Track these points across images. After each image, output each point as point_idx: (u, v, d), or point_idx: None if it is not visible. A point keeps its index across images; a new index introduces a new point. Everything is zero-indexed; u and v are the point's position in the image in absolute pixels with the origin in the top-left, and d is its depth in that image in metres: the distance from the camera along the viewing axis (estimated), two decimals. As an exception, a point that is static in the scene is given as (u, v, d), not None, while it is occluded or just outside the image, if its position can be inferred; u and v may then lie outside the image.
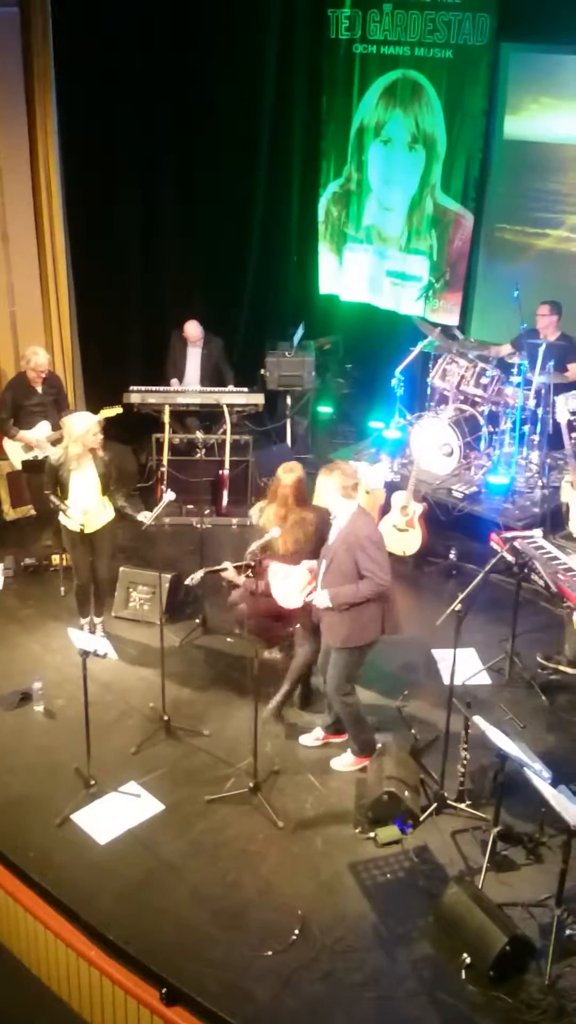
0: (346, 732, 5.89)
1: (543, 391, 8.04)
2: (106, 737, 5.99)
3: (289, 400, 9.66)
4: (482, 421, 8.39)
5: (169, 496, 6.38)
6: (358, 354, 10.51)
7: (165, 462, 8.57)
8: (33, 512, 8.24)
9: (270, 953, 4.71)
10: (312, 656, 6.05)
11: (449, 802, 5.50)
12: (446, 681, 5.80)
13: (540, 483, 8.16)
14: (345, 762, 5.88)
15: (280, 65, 9.84)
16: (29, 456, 7.82)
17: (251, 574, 5.78)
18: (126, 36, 9.01)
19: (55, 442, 7.63)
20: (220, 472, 8.59)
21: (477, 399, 8.45)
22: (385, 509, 7.98)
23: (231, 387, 9.04)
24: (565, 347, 8.22)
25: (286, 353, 9.65)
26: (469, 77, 8.91)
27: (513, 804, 5.40)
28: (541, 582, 6.24)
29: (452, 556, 7.86)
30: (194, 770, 5.86)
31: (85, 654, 5.49)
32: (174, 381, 9.27)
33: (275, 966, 4.65)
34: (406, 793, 5.39)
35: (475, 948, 4.59)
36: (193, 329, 9.22)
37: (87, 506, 6.57)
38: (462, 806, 5.50)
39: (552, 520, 7.72)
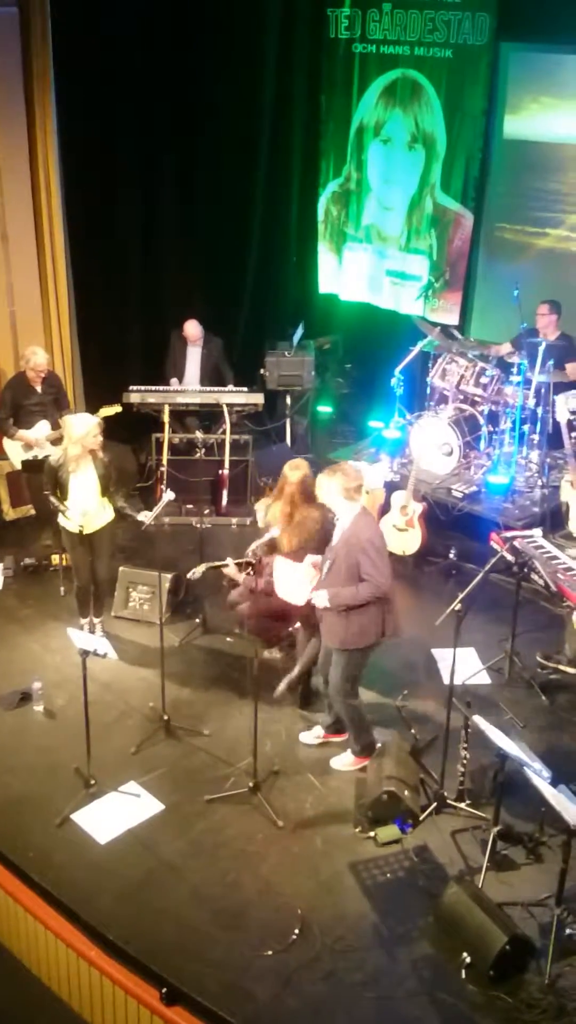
0: (346, 732, 5.89)
1: (543, 390, 8.04)
2: (106, 737, 5.99)
3: (289, 400, 9.65)
4: (482, 420, 8.39)
5: (169, 496, 6.38)
6: (358, 354, 10.51)
7: (165, 462, 8.57)
8: (33, 512, 8.25)
9: (270, 953, 4.71)
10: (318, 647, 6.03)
11: (449, 801, 5.50)
12: (446, 681, 5.80)
13: (540, 482, 8.16)
14: (345, 762, 5.88)
15: (280, 65, 9.83)
16: (29, 456, 7.83)
17: (252, 571, 5.79)
18: (126, 36, 9.01)
19: (55, 442, 7.64)
20: (220, 472, 8.59)
21: (477, 398, 8.45)
22: (385, 509, 7.98)
23: (231, 387, 9.04)
24: (565, 346, 8.22)
25: (286, 353, 9.65)
26: (469, 77, 8.91)
27: (513, 804, 5.40)
28: (541, 581, 6.24)
29: (452, 556, 7.85)
30: (194, 770, 5.86)
31: (85, 654, 5.49)
32: (174, 381, 9.27)
33: (275, 966, 4.65)
34: (406, 793, 5.39)
35: (475, 947, 4.59)
36: (193, 329, 9.22)
37: (86, 507, 6.56)
38: (462, 806, 5.50)
39: (552, 519, 7.72)
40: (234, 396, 8.83)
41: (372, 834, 5.37)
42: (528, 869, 5.16)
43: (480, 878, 4.99)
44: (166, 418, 8.71)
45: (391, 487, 8.08)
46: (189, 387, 9.12)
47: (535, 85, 8.69)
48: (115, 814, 5.50)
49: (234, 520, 8.55)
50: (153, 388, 8.88)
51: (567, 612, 6.59)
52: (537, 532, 6.37)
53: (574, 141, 8.51)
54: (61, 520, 6.66)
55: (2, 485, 8.49)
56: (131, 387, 8.78)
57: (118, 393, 8.52)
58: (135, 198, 9.67)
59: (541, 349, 7.94)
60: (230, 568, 6.56)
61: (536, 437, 8.32)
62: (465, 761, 5.45)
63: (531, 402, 8.15)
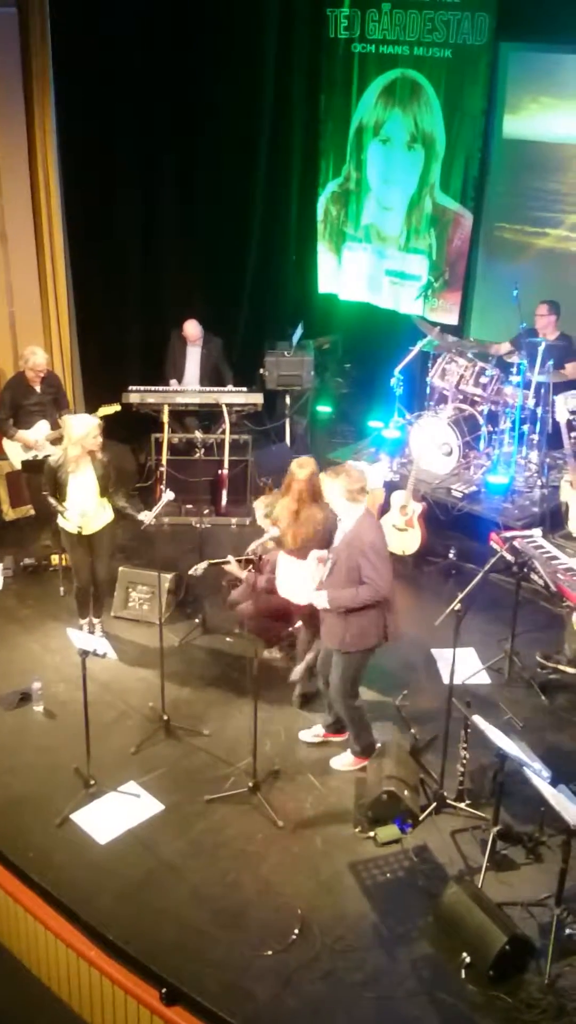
0: (346, 731, 5.89)
1: (542, 390, 8.04)
2: (106, 737, 5.99)
3: (288, 400, 9.65)
4: (481, 420, 8.39)
5: (168, 496, 6.38)
6: (357, 353, 10.51)
7: (164, 462, 8.57)
8: (32, 512, 8.25)
9: (270, 953, 4.72)
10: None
11: (449, 801, 5.51)
12: (446, 680, 5.80)
13: (539, 482, 8.16)
14: (345, 762, 5.88)
15: (279, 65, 9.84)
16: (28, 456, 7.83)
17: (253, 568, 5.79)
18: (125, 36, 9.00)
19: (55, 441, 7.64)
20: (219, 472, 8.59)
21: (476, 398, 8.45)
22: (384, 509, 7.98)
23: (230, 387, 9.04)
24: (564, 346, 8.22)
25: (285, 352, 9.64)
26: (468, 76, 8.91)
27: (513, 803, 5.40)
28: (540, 581, 6.24)
29: (451, 555, 7.86)
30: (194, 770, 5.87)
31: (84, 654, 5.49)
32: (173, 381, 9.26)
33: (275, 966, 4.65)
34: (406, 792, 5.39)
35: (475, 947, 4.59)
36: (192, 329, 9.22)
37: (85, 508, 6.56)
38: (462, 805, 5.50)
39: (551, 519, 7.72)
40: (233, 396, 8.83)
41: (372, 834, 5.37)
42: (528, 869, 5.16)
43: (480, 878, 5.00)
44: (165, 418, 8.71)
45: (391, 487, 8.09)
46: (189, 387, 9.12)
47: (534, 85, 8.69)
48: (115, 814, 5.50)
49: (234, 520, 8.55)
50: (152, 388, 8.88)
51: (567, 612, 6.59)
52: (537, 532, 6.37)
53: (573, 141, 8.52)
54: (60, 521, 6.66)
55: (2, 485, 8.49)
56: (130, 387, 8.77)
57: (117, 393, 8.52)
58: (135, 198, 9.66)
59: (540, 349, 7.95)
60: (232, 565, 6.56)
61: (536, 437, 8.32)
62: (465, 761, 5.46)
63: (531, 402, 8.16)
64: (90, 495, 6.56)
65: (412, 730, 6.02)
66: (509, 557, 6.29)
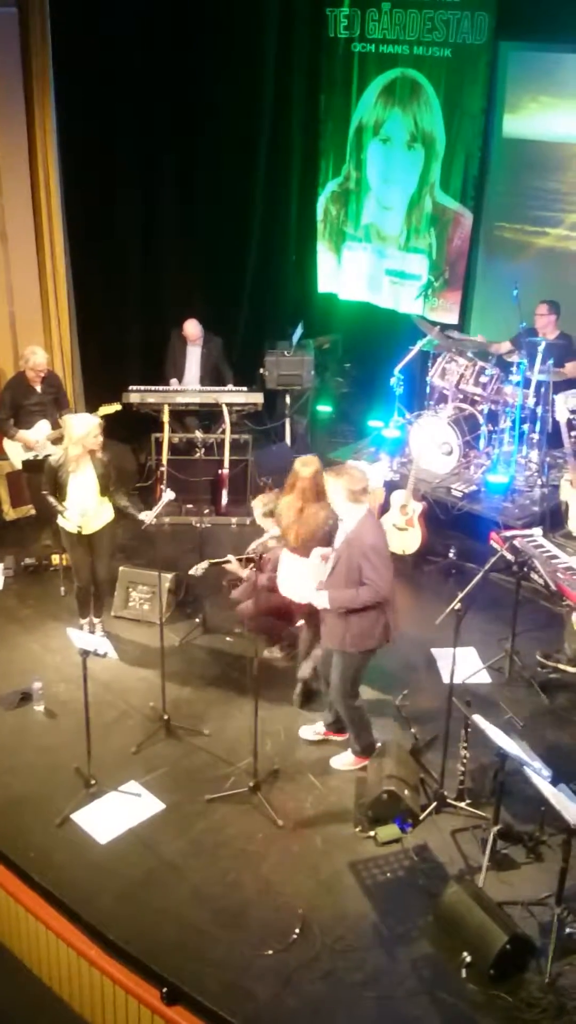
0: (347, 730, 5.89)
1: (542, 389, 8.04)
2: (106, 737, 5.99)
3: (288, 399, 9.65)
4: (481, 420, 8.39)
5: (168, 495, 6.39)
6: (357, 353, 10.51)
7: (164, 461, 8.57)
8: (33, 512, 8.25)
9: (270, 952, 4.72)
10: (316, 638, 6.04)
11: (449, 801, 5.51)
12: (446, 680, 5.80)
13: (539, 482, 8.16)
14: (345, 761, 5.88)
15: (279, 64, 9.84)
16: (29, 456, 7.83)
17: (254, 567, 5.80)
18: (125, 36, 9.01)
19: (55, 441, 7.64)
20: (219, 471, 8.59)
21: (476, 398, 8.45)
22: (384, 508, 7.98)
23: (230, 386, 9.04)
24: (564, 346, 8.22)
25: (285, 352, 9.65)
26: (468, 76, 8.91)
27: (513, 803, 5.40)
28: (541, 581, 6.24)
29: (452, 555, 7.86)
30: (194, 769, 5.87)
31: (85, 654, 5.49)
32: (173, 380, 9.27)
33: (275, 965, 4.66)
34: (406, 792, 5.39)
35: (475, 947, 4.59)
36: (193, 328, 9.22)
37: (86, 507, 6.56)
38: (462, 805, 5.50)
39: (551, 519, 7.72)
40: (234, 396, 8.83)
41: (372, 833, 5.37)
42: (528, 868, 5.16)
43: (480, 877, 5.00)
44: (166, 418, 8.72)
45: (391, 486, 8.09)
46: (189, 387, 9.12)
47: (534, 84, 8.69)
48: (115, 814, 5.51)
49: (234, 520, 8.55)
50: (153, 388, 8.88)
51: (567, 611, 6.59)
52: (537, 531, 6.37)
53: (573, 140, 8.52)
54: (60, 520, 6.67)
55: (2, 485, 8.50)
56: (131, 387, 8.78)
57: (118, 393, 8.52)
58: (135, 198, 9.67)
59: (540, 348, 7.95)
60: (233, 564, 6.56)
61: (536, 436, 8.32)
62: (465, 760, 5.46)
63: (531, 401, 8.16)
64: (90, 494, 6.56)
65: (412, 729, 6.02)
66: (509, 556, 6.29)
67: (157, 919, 4.90)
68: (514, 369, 8.13)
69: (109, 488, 6.64)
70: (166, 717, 6.14)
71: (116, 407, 7.73)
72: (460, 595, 5.43)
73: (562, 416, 7.23)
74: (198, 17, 9.45)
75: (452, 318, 9.48)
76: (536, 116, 8.73)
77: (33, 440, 7.83)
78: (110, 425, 7.05)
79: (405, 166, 9.63)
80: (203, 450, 8.18)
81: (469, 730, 5.36)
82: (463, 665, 6.47)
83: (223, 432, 8.64)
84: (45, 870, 5.16)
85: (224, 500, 8.62)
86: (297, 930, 4.82)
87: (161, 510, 6.38)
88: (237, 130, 9.93)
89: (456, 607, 5.41)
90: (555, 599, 6.83)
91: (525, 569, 6.35)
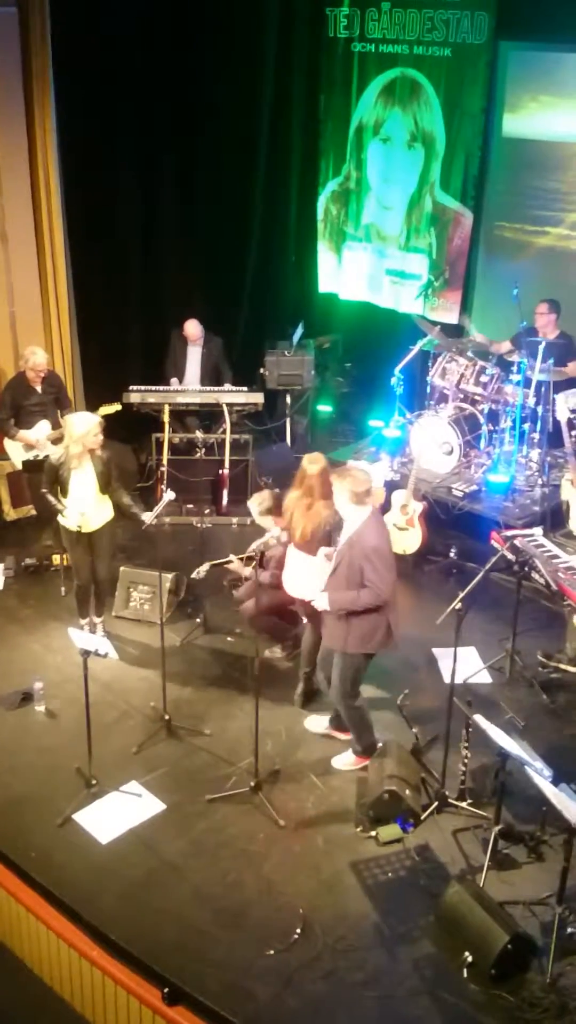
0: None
1: (543, 389, 8.04)
2: (107, 737, 5.99)
3: (289, 399, 9.66)
4: (482, 419, 8.39)
5: (169, 496, 6.39)
6: (357, 353, 10.51)
7: (165, 461, 8.57)
8: (34, 512, 8.25)
9: (271, 952, 4.71)
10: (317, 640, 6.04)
11: (450, 801, 5.51)
12: (447, 680, 5.80)
13: (540, 481, 8.16)
14: (346, 761, 5.88)
15: (279, 64, 9.84)
16: (30, 456, 7.83)
17: (256, 565, 5.80)
18: (125, 36, 9.01)
19: (55, 441, 7.63)
20: (220, 471, 8.59)
21: (477, 397, 8.45)
22: (385, 508, 7.97)
23: (228, 385, 9.04)
24: (565, 345, 8.22)
25: (285, 352, 9.65)
26: (468, 75, 8.91)
27: (514, 803, 5.40)
28: (541, 580, 6.24)
29: (452, 555, 7.86)
30: (195, 769, 5.87)
31: (86, 654, 5.49)
32: (174, 380, 9.27)
33: (276, 965, 4.65)
34: (407, 792, 5.39)
35: (477, 947, 4.59)
36: (193, 328, 9.22)
37: (86, 506, 6.57)
38: (463, 805, 5.50)
39: (552, 518, 7.72)
40: (234, 396, 8.83)
41: (373, 833, 5.37)
42: (529, 868, 5.16)
43: (481, 877, 4.99)
44: (166, 418, 8.72)
45: (391, 486, 8.08)
46: (189, 387, 9.12)
47: (534, 84, 8.69)
48: (116, 814, 5.50)
49: (234, 520, 8.55)
50: (153, 388, 8.88)
51: (568, 611, 6.59)
52: (537, 531, 6.37)
53: (573, 139, 8.52)
54: (61, 518, 6.67)
55: (3, 485, 8.49)
56: (131, 387, 8.78)
57: (118, 393, 8.51)
58: (135, 198, 9.67)
59: (541, 348, 7.94)
60: (234, 564, 6.56)
61: (536, 436, 8.32)
62: (466, 760, 5.45)
63: (531, 401, 8.15)
64: (91, 492, 6.56)
65: (413, 729, 6.01)
66: (510, 556, 6.29)
67: (158, 919, 4.90)
68: (514, 368, 8.13)
69: (111, 485, 6.64)
70: (167, 717, 6.13)
71: (116, 407, 7.73)
72: (461, 595, 5.43)
73: (563, 415, 7.23)
74: (198, 17, 9.45)
75: (452, 318, 9.48)
76: (536, 115, 8.73)
77: (34, 440, 7.84)
78: (110, 425, 7.06)
79: (405, 166, 9.63)
80: (203, 450, 8.18)
81: (470, 730, 5.36)
82: (464, 665, 6.47)
83: (223, 432, 8.64)
84: (46, 870, 5.15)
85: (225, 500, 8.62)
86: (298, 930, 4.82)
87: (162, 510, 6.38)
88: (237, 130, 9.93)
89: (457, 607, 5.41)
90: (556, 599, 6.83)
91: (526, 569, 6.35)
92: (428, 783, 5.66)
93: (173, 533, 8.15)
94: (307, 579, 5.88)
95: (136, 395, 8.71)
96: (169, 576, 7.21)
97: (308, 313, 10.35)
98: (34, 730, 6.18)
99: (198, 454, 8.09)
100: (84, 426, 6.45)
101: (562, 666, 6.62)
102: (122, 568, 7.32)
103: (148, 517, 6.54)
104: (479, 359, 8.48)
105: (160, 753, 5.98)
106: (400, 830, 5.37)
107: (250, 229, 10.31)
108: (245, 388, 8.98)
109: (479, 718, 5.08)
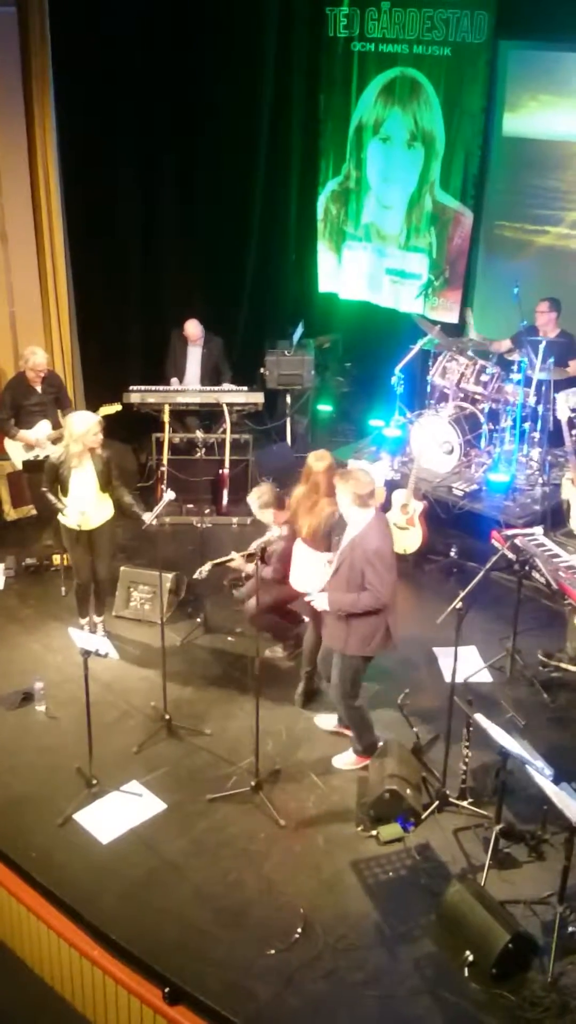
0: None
1: (543, 388, 8.04)
2: (108, 737, 5.99)
3: (289, 399, 9.66)
4: (482, 419, 8.39)
5: (169, 495, 6.38)
6: (358, 352, 10.51)
7: (165, 461, 8.57)
8: (34, 512, 8.24)
9: (272, 952, 4.71)
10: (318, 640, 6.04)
11: (451, 800, 5.50)
12: (447, 679, 5.80)
13: (541, 480, 8.16)
14: (347, 760, 5.88)
15: (279, 64, 9.84)
16: (30, 456, 7.83)
17: (259, 560, 5.80)
18: (125, 35, 9.00)
19: (55, 441, 7.63)
20: (220, 471, 8.59)
21: (477, 396, 8.44)
22: (385, 507, 7.97)
23: (226, 385, 9.04)
24: (565, 344, 8.21)
25: (285, 352, 9.65)
26: (468, 75, 8.91)
27: (515, 802, 5.40)
28: (542, 579, 6.23)
29: (453, 554, 7.85)
30: (196, 769, 5.87)
31: (86, 654, 5.49)
32: (174, 380, 9.26)
33: (277, 965, 4.65)
34: (408, 791, 5.39)
35: (478, 946, 4.58)
36: (193, 328, 9.22)
37: (86, 504, 6.57)
38: (464, 804, 5.50)
39: (553, 517, 7.72)
40: (234, 395, 8.83)
41: (374, 833, 5.37)
42: (530, 867, 5.16)
43: (482, 876, 4.99)
44: (166, 418, 8.71)
45: (392, 485, 8.08)
46: (189, 387, 9.12)
47: (534, 83, 8.69)
48: (117, 814, 5.50)
49: (235, 519, 8.55)
50: (153, 388, 8.88)
51: (568, 610, 6.59)
52: (538, 530, 6.37)
53: (573, 138, 8.51)
54: (61, 517, 6.67)
55: (3, 485, 8.49)
56: (131, 387, 8.77)
57: (118, 393, 8.51)
58: (135, 197, 9.67)
59: (541, 347, 7.94)
60: (236, 560, 6.56)
61: (537, 435, 8.31)
62: (467, 759, 5.45)
63: (531, 400, 8.15)
64: (91, 491, 6.56)
65: (414, 728, 6.01)
66: (510, 555, 6.28)
67: (159, 919, 4.90)
68: (515, 367, 8.12)
69: (111, 483, 6.64)
70: (167, 717, 6.13)
71: (116, 407, 7.71)
72: (461, 594, 5.44)
73: (563, 414, 7.23)
74: (198, 17, 9.45)
75: (452, 317, 9.48)
76: (536, 115, 8.73)
77: (34, 440, 7.83)
78: (110, 425, 7.06)
79: (405, 165, 9.63)
80: (204, 450, 8.18)
81: (471, 729, 5.36)
82: (465, 664, 6.47)
83: (224, 432, 8.63)
84: (47, 870, 5.15)
85: (225, 500, 8.62)
86: (299, 929, 4.82)
87: (162, 510, 6.38)
88: (237, 130, 9.93)
89: (457, 606, 5.41)
90: (556, 598, 6.82)
91: (526, 568, 6.34)
92: (429, 782, 5.66)
93: (173, 533, 8.15)
94: (314, 575, 5.88)
95: (136, 395, 8.71)
96: (169, 576, 7.21)
97: (308, 313, 10.35)
98: (34, 730, 6.18)
99: (198, 454, 8.09)
100: (84, 425, 6.45)
101: (563, 665, 6.62)
102: (122, 568, 7.32)
103: (148, 517, 6.54)
104: (479, 358, 8.47)
105: (161, 753, 5.98)
106: (401, 829, 5.36)
107: (250, 229, 10.31)
108: (245, 388, 8.97)
109: (480, 717, 5.08)
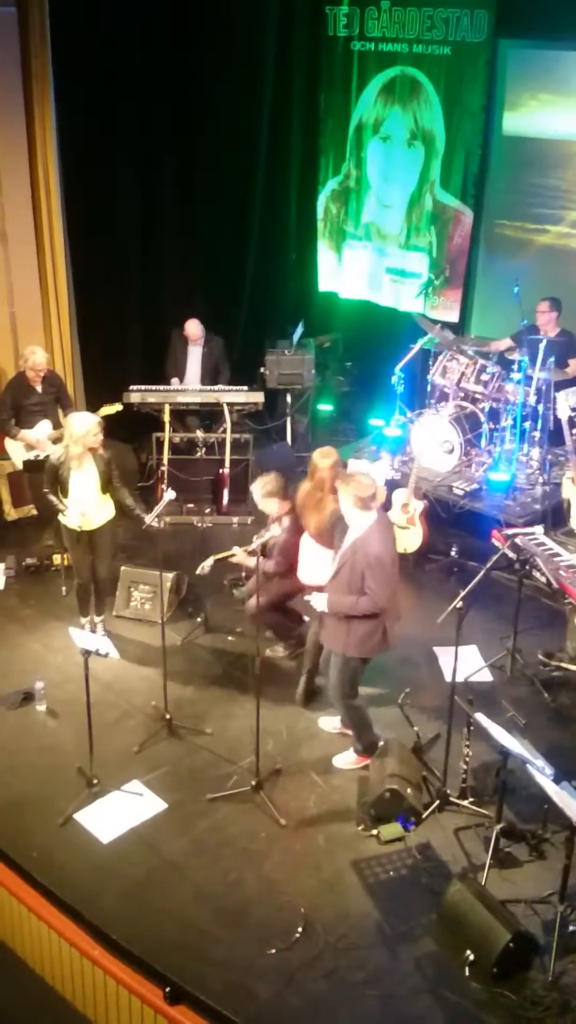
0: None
1: (544, 387, 8.04)
2: (108, 736, 5.99)
3: (289, 398, 9.65)
4: (483, 418, 8.38)
5: (170, 495, 6.38)
6: (358, 351, 10.50)
7: (165, 461, 8.57)
8: (35, 512, 8.25)
9: (273, 951, 4.71)
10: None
11: (452, 799, 5.50)
12: (448, 678, 5.80)
13: (541, 479, 8.15)
14: (347, 760, 5.88)
15: (279, 64, 9.84)
16: (30, 456, 7.83)
17: (261, 554, 5.81)
18: (125, 36, 9.01)
19: (56, 441, 7.63)
20: (220, 471, 8.58)
21: (478, 396, 8.44)
22: (386, 507, 7.96)
23: (224, 384, 9.04)
24: (566, 343, 8.21)
25: (286, 351, 9.64)
26: (468, 74, 8.91)
27: (515, 801, 5.40)
28: (542, 579, 6.23)
29: (453, 553, 7.85)
30: (196, 769, 5.87)
31: (87, 653, 5.49)
32: (174, 380, 9.26)
33: (278, 964, 4.65)
34: (408, 790, 5.39)
35: (478, 945, 4.58)
36: (194, 328, 9.22)
37: (86, 505, 6.56)
38: (465, 803, 5.49)
39: (553, 516, 7.71)
40: (234, 395, 8.82)
41: (375, 832, 5.37)
42: (531, 866, 5.15)
43: (483, 875, 4.99)
44: (167, 417, 8.71)
45: (392, 485, 8.07)
46: (190, 386, 9.12)
47: (534, 82, 8.69)
48: (118, 813, 5.50)
49: (235, 519, 8.55)
50: (153, 388, 8.88)
51: (569, 609, 6.59)
52: (538, 529, 6.37)
53: (573, 137, 8.52)
54: (61, 517, 6.67)
55: (4, 485, 8.50)
56: (131, 387, 8.77)
57: (118, 392, 8.51)
58: (135, 197, 9.67)
59: (542, 346, 7.93)
60: (238, 556, 6.56)
61: (537, 434, 8.31)
62: (467, 759, 5.46)
63: (532, 399, 8.14)
64: (91, 492, 6.56)
65: (415, 728, 6.01)
66: (511, 554, 6.28)
67: (159, 918, 4.90)
68: (515, 367, 8.12)
69: (112, 483, 6.64)
70: (168, 716, 6.13)
71: (117, 407, 7.72)
72: (462, 593, 5.43)
73: (563, 413, 7.22)
74: (198, 17, 9.45)
75: (453, 316, 9.48)
76: (536, 113, 8.73)
77: (34, 440, 7.84)
78: (111, 425, 7.06)
79: (405, 164, 9.63)
80: (204, 449, 8.17)
81: (471, 728, 5.36)
82: (465, 663, 6.46)
83: (224, 431, 8.63)
84: (47, 870, 5.15)
85: (225, 499, 8.62)
86: (300, 929, 4.82)
87: (162, 510, 6.37)
88: (237, 130, 9.93)
89: (458, 605, 5.41)
90: (557, 597, 6.82)
91: (527, 567, 6.34)
92: (429, 781, 5.65)
93: (174, 532, 8.15)
94: (323, 569, 5.87)
95: (136, 395, 8.71)
96: (170, 575, 7.21)
97: (308, 312, 10.35)
98: (35, 730, 6.18)
99: (199, 453, 8.08)
100: (84, 426, 6.45)
101: (563, 664, 6.62)
102: (123, 568, 7.32)
103: (149, 517, 6.53)
104: (480, 357, 8.47)
105: (161, 752, 5.98)
106: (401, 829, 5.36)
107: (250, 229, 10.30)
108: (245, 387, 8.97)
109: (480, 716, 5.08)
